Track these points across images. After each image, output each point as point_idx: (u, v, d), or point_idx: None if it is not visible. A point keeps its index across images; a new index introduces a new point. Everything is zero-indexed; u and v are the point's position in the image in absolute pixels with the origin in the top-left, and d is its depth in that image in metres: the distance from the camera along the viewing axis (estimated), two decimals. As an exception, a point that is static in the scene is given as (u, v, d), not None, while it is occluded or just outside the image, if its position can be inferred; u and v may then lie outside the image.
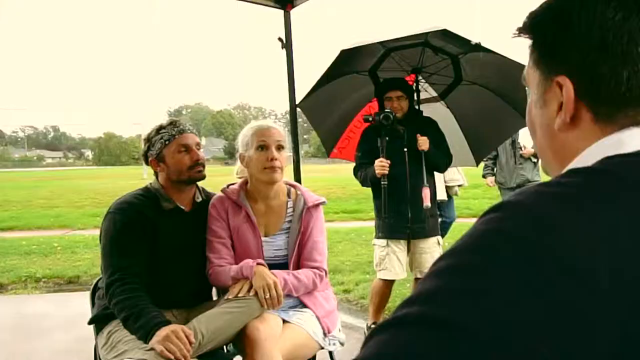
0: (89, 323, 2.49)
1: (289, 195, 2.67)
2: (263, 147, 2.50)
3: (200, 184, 2.66)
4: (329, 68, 3.81)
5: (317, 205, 2.64)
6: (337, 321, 2.67)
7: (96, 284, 2.60)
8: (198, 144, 2.55)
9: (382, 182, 3.74)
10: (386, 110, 3.73)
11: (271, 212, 2.62)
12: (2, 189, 21.26)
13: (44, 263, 7.39)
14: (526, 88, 0.78)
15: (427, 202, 3.73)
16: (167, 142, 2.50)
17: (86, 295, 2.66)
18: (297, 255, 2.58)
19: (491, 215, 0.52)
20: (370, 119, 3.76)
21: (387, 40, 3.80)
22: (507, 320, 0.43)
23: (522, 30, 0.73)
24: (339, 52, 3.64)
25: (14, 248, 8.40)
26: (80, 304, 4.58)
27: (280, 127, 2.60)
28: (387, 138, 3.70)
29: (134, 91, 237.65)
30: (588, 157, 0.63)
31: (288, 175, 2.77)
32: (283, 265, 2.58)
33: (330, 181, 21.11)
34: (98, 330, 2.44)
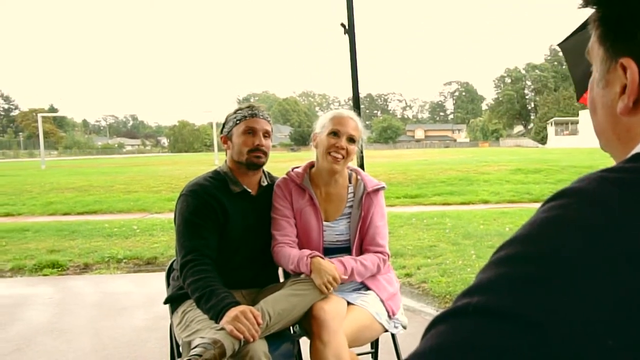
0: (165, 303, 2.55)
1: (350, 180, 2.66)
2: (335, 133, 2.50)
3: (267, 168, 2.68)
4: None
5: (377, 191, 2.61)
6: (400, 304, 2.65)
7: (171, 265, 2.67)
8: (267, 132, 2.55)
9: None
10: None
11: (333, 198, 2.61)
12: (87, 175, 22.09)
13: (124, 245, 7.63)
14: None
15: None
16: (238, 122, 2.53)
17: (163, 276, 2.74)
18: (359, 240, 2.57)
19: (553, 203, 0.50)
20: None
21: None
22: (571, 311, 0.40)
23: (589, 1, 0.66)
24: None
25: (97, 230, 8.71)
26: (158, 284, 4.75)
27: (359, 120, 2.59)
28: None
29: (205, 81, 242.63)
30: None
31: (351, 161, 2.76)
32: (345, 250, 2.58)
33: (392, 166, 20.94)
34: (173, 310, 2.50)
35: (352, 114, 2.59)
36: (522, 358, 0.39)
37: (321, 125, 2.57)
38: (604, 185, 0.49)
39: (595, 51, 0.68)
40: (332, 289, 2.33)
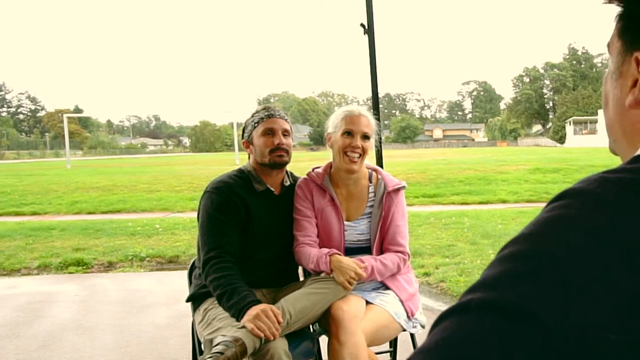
0: (187, 301, 2.57)
1: (370, 179, 2.64)
2: (349, 133, 2.49)
3: (288, 168, 2.68)
4: None
5: (397, 190, 2.59)
6: (419, 304, 2.64)
7: (193, 263, 2.68)
8: (286, 131, 2.55)
9: None
10: None
11: (353, 197, 2.60)
12: (111, 175, 22.28)
13: (147, 243, 7.70)
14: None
15: None
16: (256, 125, 2.54)
17: (185, 274, 2.75)
18: (379, 240, 2.56)
19: (555, 203, 0.50)
20: None
21: None
22: (572, 306, 0.41)
23: None
24: None
25: (121, 229, 8.79)
26: (180, 282, 4.79)
27: (369, 115, 2.57)
28: None
29: (226, 81, 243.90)
30: None
31: (370, 160, 2.75)
32: (366, 249, 2.57)
33: (410, 166, 20.87)
34: (195, 308, 2.51)
35: (362, 109, 2.57)
36: (524, 352, 0.39)
37: (334, 125, 2.56)
38: (604, 185, 0.49)
39: (614, 44, 0.68)
40: (354, 284, 2.34)
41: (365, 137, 2.51)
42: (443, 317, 0.46)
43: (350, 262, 2.37)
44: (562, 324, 0.40)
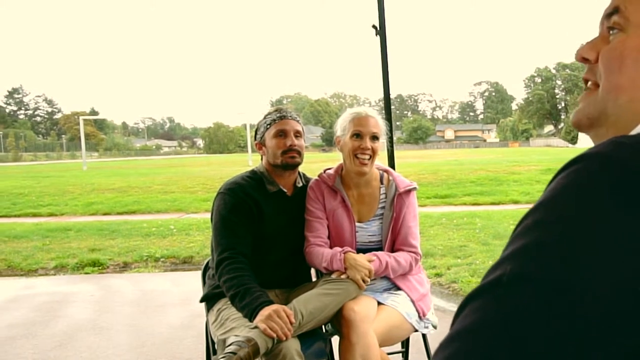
0: (201, 301, 2.58)
1: (381, 181, 2.63)
2: (358, 135, 2.49)
3: (300, 169, 2.68)
4: None
5: (408, 191, 2.58)
6: (431, 304, 2.63)
7: (207, 264, 2.69)
8: (298, 132, 2.55)
9: None
10: None
11: (365, 199, 2.60)
12: (126, 176, 22.40)
13: (162, 244, 7.73)
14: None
15: None
16: (268, 126, 2.54)
17: (199, 275, 2.76)
18: (391, 241, 2.55)
19: (572, 168, 0.49)
20: None
21: None
22: (601, 268, 0.40)
23: None
24: None
25: (136, 230, 8.84)
26: (194, 282, 4.80)
27: (377, 115, 2.57)
28: None
29: (239, 83, 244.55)
30: None
31: (382, 161, 2.74)
32: (377, 251, 2.56)
33: (422, 167, 20.80)
34: (209, 308, 2.52)
35: (370, 110, 2.57)
36: (562, 321, 0.39)
37: (342, 128, 2.56)
38: (617, 147, 0.48)
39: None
40: (368, 282, 2.36)
41: (375, 137, 2.50)
42: (472, 297, 0.45)
43: (364, 261, 2.38)
44: (594, 288, 0.39)
